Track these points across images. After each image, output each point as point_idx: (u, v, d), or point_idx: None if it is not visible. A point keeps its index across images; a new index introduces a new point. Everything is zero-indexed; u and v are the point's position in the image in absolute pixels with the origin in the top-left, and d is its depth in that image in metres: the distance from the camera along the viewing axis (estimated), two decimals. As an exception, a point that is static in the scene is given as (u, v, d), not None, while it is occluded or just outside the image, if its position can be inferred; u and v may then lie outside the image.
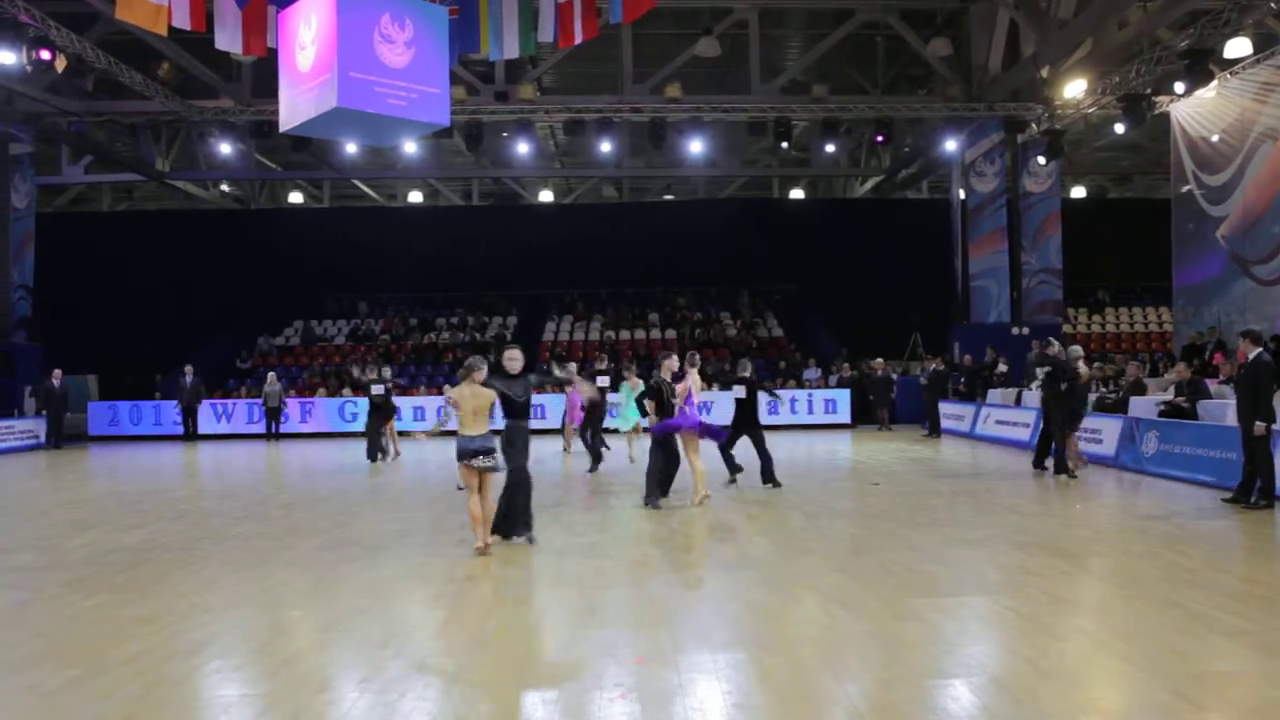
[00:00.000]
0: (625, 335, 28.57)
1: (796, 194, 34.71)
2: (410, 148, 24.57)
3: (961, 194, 25.17)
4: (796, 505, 10.64)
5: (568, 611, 6.19)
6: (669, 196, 35.34)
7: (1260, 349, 9.96)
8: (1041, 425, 13.90)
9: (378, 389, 16.88)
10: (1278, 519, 9.35)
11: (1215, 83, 18.25)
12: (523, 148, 22.31)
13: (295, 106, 7.84)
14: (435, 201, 35.30)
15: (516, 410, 8.29)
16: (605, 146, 22.35)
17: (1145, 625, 5.68)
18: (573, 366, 18.15)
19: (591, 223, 31.38)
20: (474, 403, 7.95)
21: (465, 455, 7.91)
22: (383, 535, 9.14)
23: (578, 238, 30.11)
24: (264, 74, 21.12)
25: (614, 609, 6.27)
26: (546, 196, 34.35)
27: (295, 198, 35.29)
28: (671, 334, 28.38)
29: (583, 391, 10.93)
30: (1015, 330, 23.50)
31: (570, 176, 33.43)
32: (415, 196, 34.88)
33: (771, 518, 9.97)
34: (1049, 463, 13.30)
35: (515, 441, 8.32)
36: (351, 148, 25.06)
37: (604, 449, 14.95)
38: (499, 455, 8.08)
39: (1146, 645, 5.28)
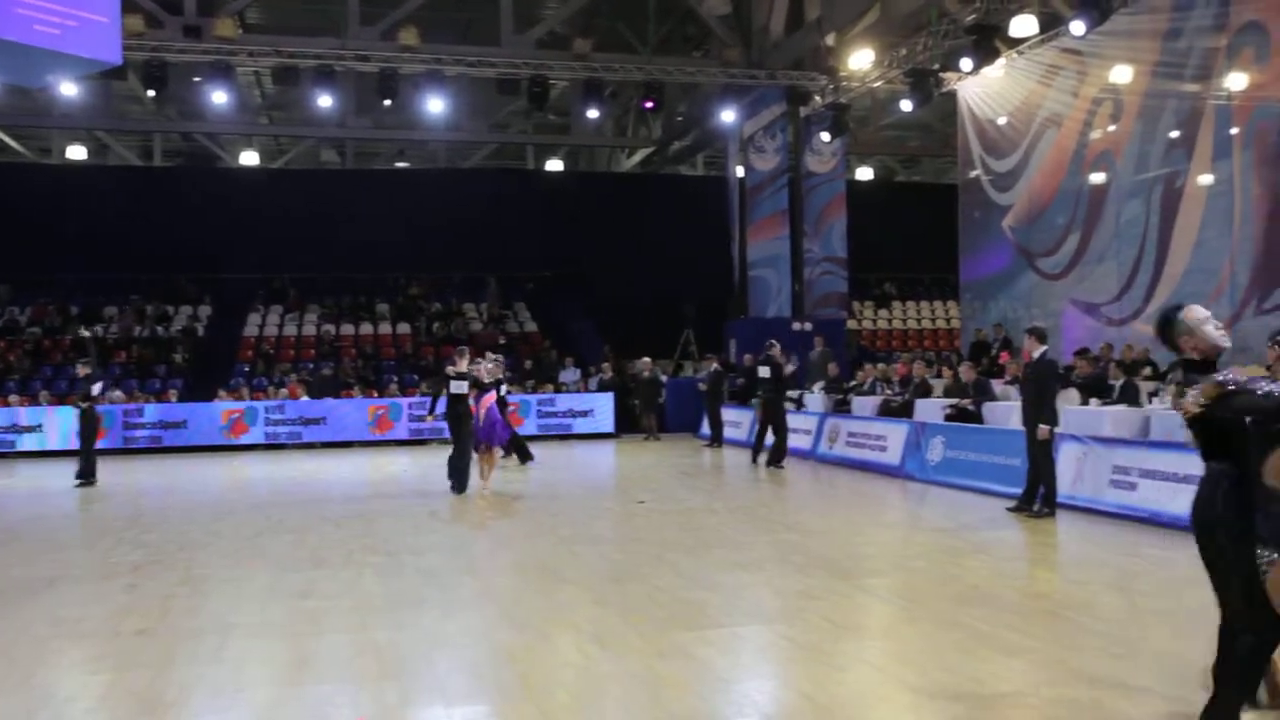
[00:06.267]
0: (348, 330, 27.76)
1: (554, 165, 34.94)
2: (70, 89, 22.87)
3: (740, 171, 25.98)
4: (549, 529, 10.68)
5: (272, 665, 5.96)
6: (402, 164, 34.70)
7: (1045, 347, 10.91)
8: (758, 425, 17.28)
9: (96, 389, 16.09)
10: (1059, 528, 10.30)
11: (1003, 61, 19.83)
12: (220, 97, 21.29)
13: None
14: (104, 159, 33.02)
15: None
16: (324, 101, 21.68)
17: (928, 648, 6.09)
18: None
19: (307, 193, 30.19)
20: None
21: None
22: (30, 582, 8.45)
23: (290, 210, 28.86)
24: None
25: (330, 659, 6.12)
26: (250, 159, 33.04)
27: (-92, 148, 31.99)
28: (405, 328, 27.83)
29: None
30: (796, 326, 24.12)
31: (280, 135, 32.20)
32: (77, 152, 32.43)
33: (520, 544, 9.98)
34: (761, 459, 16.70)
35: None
36: (-13, 86, 23.00)
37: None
38: None
39: (929, 670, 5.64)
